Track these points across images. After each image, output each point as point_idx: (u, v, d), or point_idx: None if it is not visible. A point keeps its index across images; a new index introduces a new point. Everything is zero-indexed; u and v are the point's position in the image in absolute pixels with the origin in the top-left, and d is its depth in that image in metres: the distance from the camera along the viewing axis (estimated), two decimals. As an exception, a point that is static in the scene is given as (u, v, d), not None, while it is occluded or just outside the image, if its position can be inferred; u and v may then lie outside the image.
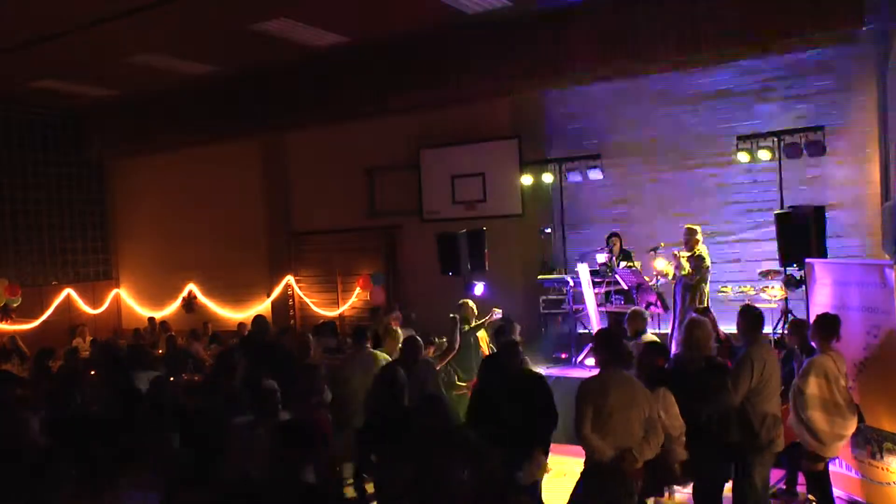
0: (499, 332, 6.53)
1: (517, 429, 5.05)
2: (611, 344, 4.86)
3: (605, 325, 8.98)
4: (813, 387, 5.20)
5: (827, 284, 6.27)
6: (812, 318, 6.21)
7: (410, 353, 6.12)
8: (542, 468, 5.32)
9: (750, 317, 5.33)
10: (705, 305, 7.95)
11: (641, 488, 4.75)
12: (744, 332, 5.36)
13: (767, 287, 8.42)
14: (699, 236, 8.68)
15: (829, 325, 5.38)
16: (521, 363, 5.79)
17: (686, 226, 8.86)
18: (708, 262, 8.55)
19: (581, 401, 4.61)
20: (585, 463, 4.68)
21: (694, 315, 5.98)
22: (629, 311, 7.24)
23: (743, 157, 9.00)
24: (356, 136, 12.48)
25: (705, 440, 4.96)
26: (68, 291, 14.16)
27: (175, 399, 5.74)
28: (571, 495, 4.79)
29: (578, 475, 4.78)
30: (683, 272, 8.44)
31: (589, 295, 9.14)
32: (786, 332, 6.87)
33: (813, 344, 5.50)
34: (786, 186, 8.91)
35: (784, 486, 6.17)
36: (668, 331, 8.81)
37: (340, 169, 12.75)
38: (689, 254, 8.51)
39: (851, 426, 5.30)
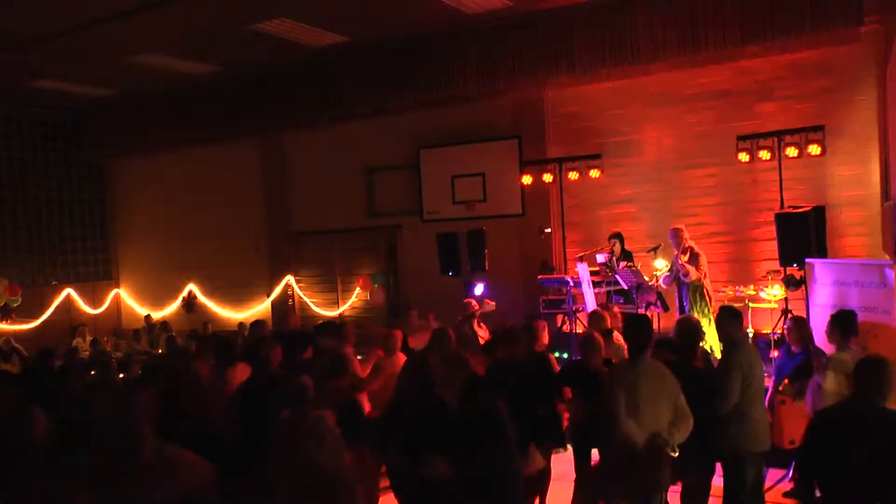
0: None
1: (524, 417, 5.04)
2: (642, 330, 4.89)
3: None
4: (831, 383, 5.17)
5: (827, 284, 6.28)
6: (811, 317, 6.23)
7: (440, 345, 6.10)
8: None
9: (725, 316, 5.32)
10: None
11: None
12: (724, 331, 5.34)
13: (767, 287, 8.42)
14: (686, 234, 8.73)
15: (847, 321, 5.38)
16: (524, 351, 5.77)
17: (672, 227, 8.87)
18: (703, 256, 8.61)
19: (613, 387, 4.62)
20: (616, 449, 4.67)
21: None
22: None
23: (743, 157, 9.00)
24: (356, 136, 12.48)
25: (691, 439, 4.95)
26: (68, 291, 14.16)
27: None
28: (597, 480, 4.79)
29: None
30: (693, 278, 8.44)
31: (589, 295, 9.15)
32: (785, 328, 6.85)
33: (830, 342, 5.47)
34: (786, 186, 8.91)
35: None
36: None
37: (340, 169, 12.76)
38: (686, 258, 8.54)
39: None
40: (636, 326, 5.00)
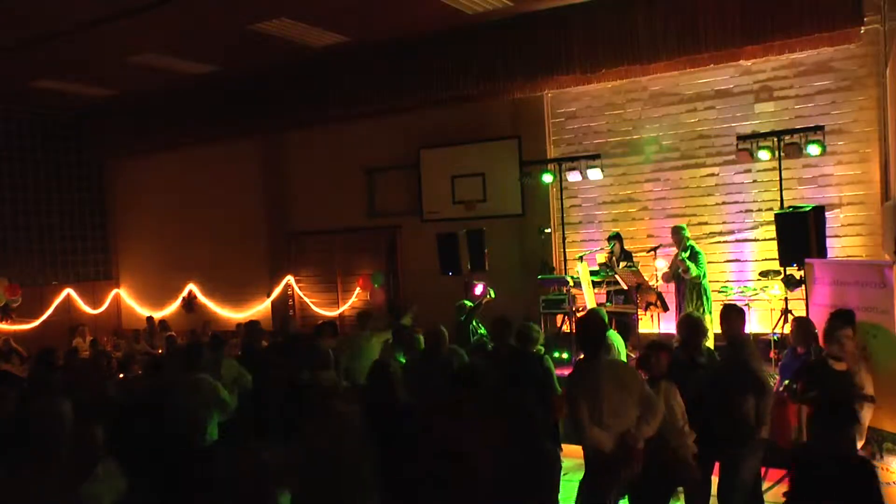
0: (522, 339, 6.02)
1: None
2: (596, 331, 4.75)
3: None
4: None
5: (827, 284, 6.28)
6: (811, 317, 6.22)
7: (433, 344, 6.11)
8: None
9: (729, 314, 5.31)
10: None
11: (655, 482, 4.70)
12: (730, 329, 5.33)
13: (767, 287, 8.42)
14: (687, 232, 8.74)
15: (846, 319, 5.39)
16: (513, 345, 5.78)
17: (672, 226, 8.90)
18: (703, 255, 8.63)
19: (573, 394, 4.56)
20: (587, 457, 4.66)
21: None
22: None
23: (743, 157, 8.99)
24: (356, 136, 12.48)
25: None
26: (68, 291, 14.16)
27: None
28: (578, 490, 4.78)
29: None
30: (693, 274, 8.45)
31: (589, 295, 9.14)
32: (790, 329, 6.84)
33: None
34: (786, 186, 8.90)
35: None
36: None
37: (340, 169, 12.75)
38: (686, 254, 8.55)
39: (867, 416, 5.31)
40: (585, 325, 4.79)
